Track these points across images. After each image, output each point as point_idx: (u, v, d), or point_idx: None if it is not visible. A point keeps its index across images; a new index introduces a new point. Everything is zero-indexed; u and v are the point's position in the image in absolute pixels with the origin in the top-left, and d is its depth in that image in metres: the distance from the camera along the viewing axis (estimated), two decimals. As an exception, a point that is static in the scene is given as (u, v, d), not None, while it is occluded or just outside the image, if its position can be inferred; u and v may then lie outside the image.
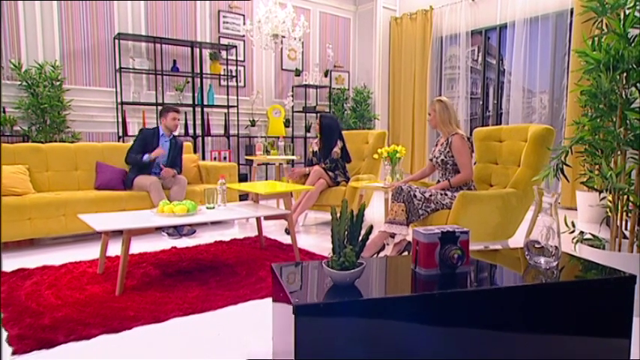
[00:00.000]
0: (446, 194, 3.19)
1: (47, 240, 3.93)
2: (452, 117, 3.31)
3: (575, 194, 5.04)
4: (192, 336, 2.08)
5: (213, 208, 3.17)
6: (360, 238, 1.47)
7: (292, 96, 6.91)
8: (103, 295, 2.50)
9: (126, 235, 2.53)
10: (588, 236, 2.51)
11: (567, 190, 5.38)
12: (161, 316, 2.24)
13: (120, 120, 5.50)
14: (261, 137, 6.48)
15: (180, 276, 2.87)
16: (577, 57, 2.49)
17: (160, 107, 5.66)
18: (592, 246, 2.40)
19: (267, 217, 3.24)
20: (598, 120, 2.36)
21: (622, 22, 2.19)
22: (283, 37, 5.18)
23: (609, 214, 2.43)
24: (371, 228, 1.48)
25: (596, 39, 2.33)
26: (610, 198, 2.40)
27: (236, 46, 6.27)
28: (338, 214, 1.49)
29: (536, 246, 1.76)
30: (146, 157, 4.19)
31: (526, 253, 1.77)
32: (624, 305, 1.64)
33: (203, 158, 6.08)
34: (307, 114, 7.11)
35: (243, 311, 2.37)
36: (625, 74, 2.27)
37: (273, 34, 5.04)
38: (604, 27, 2.43)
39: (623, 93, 2.30)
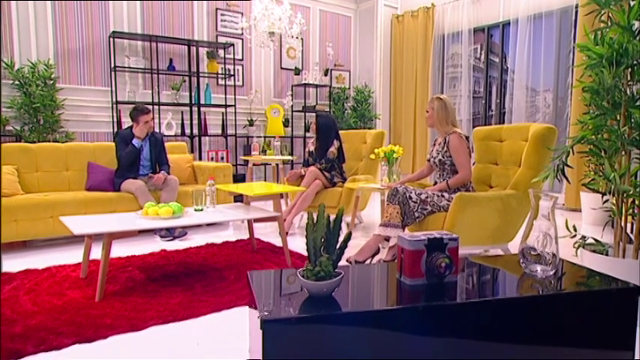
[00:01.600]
0: (443, 196, 3.06)
1: (39, 242, 3.84)
2: (450, 116, 3.18)
3: (579, 195, 4.90)
4: (169, 346, 1.97)
5: (202, 210, 3.06)
6: (338, 246, 1.36)
7: (291, 95, 6.80)
8: (82, 301, 2.40)
9: (106, 238, 2.43)
10: (591, 241, 2.38)
11: (572, 192, 5.24)
12: (139, 324, 2.14)
13: (115, 120, 5.42)
14: (257, 137, 6.37)
15: (165, 280, 2.77)
16: (581, 54, 2.36)
17: (155, 106, 5.60)
18: (594, 251, 2.27)
19: (257, 220, 3.14)
20: (601, 118, 2.23)
21: (626, 13, 2.06)
22: (280, 34, 5.07)
23: (613, 217, 2.30)
24: (349, 235, 1.37)
25: (599, 32, 2.20)
26: (614, 201, 2.27)
27: (233, 45, 6.17)
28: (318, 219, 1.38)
29: (533, 253, 1.64)
30: (136, 142, 4.07)
31: (521, 260, 1.65)
32: (627, 317, 1.51)
33: (200, 158, 5.99)
34: (307, 113, 6.99)
35: (226, 319, 2.26)
36: (630, 70, 2.14)
37: (269, 31, 4.93)
38: (608, 20, 2.30)
39: (628, 90, 2.17)
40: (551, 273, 1.60)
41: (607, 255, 2.26)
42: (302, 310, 1.30)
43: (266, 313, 1.21)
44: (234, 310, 2.35)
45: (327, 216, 1.35)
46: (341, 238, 1.37)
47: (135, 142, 4.05)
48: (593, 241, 2.38)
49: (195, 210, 3.06)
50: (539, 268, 1.62)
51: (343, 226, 4.21)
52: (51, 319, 2.16)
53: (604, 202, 2.34)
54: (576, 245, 2.37)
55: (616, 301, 1.49)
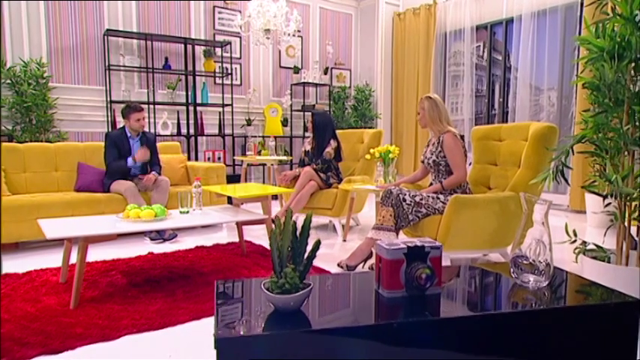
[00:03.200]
0: (438, 198, 2.93)
1: (32, 243, 3.73)
2: (442, 115, 3.05)
3: (584, 197, 4.74)
4: (140, 357, 1.86)
5: (187, 212, 2.95)
6: (306, 256, 1.24)
7: (291, 94, 6.69)
8: (57, 308, 2.30)
9: (82, 243, 2.32)
10: (592, 247, 2.24)
11: (577, 193, 5.08)
12: (112, 333, 2.03)
13: (110, 119, 5.33)
14: (252, 137, 6.26)
15: (147, 286, 2.66)
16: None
17: (151, 105, 5.51)
18: (595, 258, 2.13)
19: (244, 223, 3.02)
20: (602, 116, 2.09)
21: (629, 4, 1.92)
22: (276, 31, 4.95)
23: (615, 221, 2.16)
24: (318, 243, 1.25)
25: (600, 25, 2.06)
26: (616, 204, 2.13)
27: (230, 43, 6.06)
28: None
29: (525, 262, 1.51)
30: (130, 161, 3.95)
31: (512, 270, 1.52)
32: (627, 333, 1.38)
33: (196, 159, 5.89)
34: (306, 113, 6.87)
35: (205, 327, 2.15)
36: (633, 64, 2.00)
37: (264, 29, 4.81)
38: (611, 11, 2.16)
39: (631, 86, 2.03)
40: (545, 284, 1.47)
41: (609, 262, 2.12)
42: (266, 327, 1.19)
43: (221, 331, 1.10)
44: (213, 319, 2.23)
45: (293, 222, 1.23)
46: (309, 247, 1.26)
47: (129, 161, 3.94)
48: (594, 246, 2.24)
49: (181, 212, 2.95)
50: (531, 278, 1.49)
51: (338, 228, 4.11)
52: (20, 327, 2.06)
53: (606, 206, 2.20)
54: (576, 251, 2.23)
55: (615, 316, 1.36)
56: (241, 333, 1.11)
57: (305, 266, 1.23)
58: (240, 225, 3.29)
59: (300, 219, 4.60)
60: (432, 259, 1.36)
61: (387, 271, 1.35)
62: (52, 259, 3.23)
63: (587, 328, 1.35)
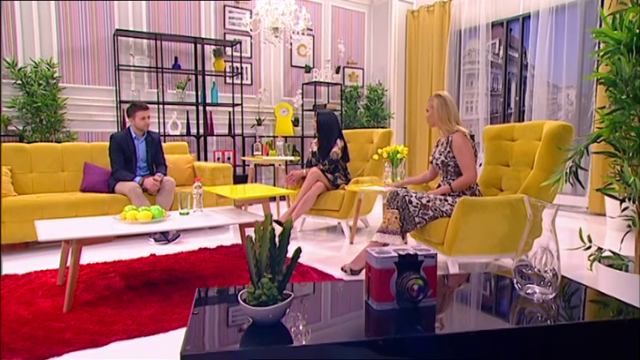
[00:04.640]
0: (446, 200, 2.81)
1: (42, 243, 3.69)
2: (451, 114, 2.92)
3: (604, 198, 4.54)
4: (127, 366, 1.79)
5: (187, 213, 2.89)
6: (286, 265, 1.15)
7: (302, 94, 6.60)
8: (50, 311, 2.25)
9: (75, 245, 2.27)
10: (608, 253, 2.10)
11: (596, 194, 4.87)
12: (101, 339, 1.97)
13: (119, 119, 5.32)
14: (260, 137, 6.19)
15: (144, 289, 2.60)
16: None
17: (160, 105, 5.49)
18: (611, 266, 1.99)
19: (246, 225, 2.94)
20: (620, 113, 1.95)
21: (648, -7, 1.78)
22: (284, 29, 4.86)
23: (634, 227, 2.01)
24: (299, 251, 1.15)
25: (617, 16, 1.92)
26: (634, 208, 1.99)
27: (241, 42, 6.00)
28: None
29: (530, 271, 1.39)
30: (138, 179, 3.90)
31: (515, 280, 1.41)
32: (644, 351, 1.26)
33: (206, 159, 5.85)
34: (317, 112, 6.78)
35: (198, 334, 2.07)
36: (653, 58, 1.86)
37: (272, 27, 4.73)
38: (629, 2, 2.02)
39: (651, 81, 1.89)
40: (551, 296, 1.35)
41: (626, 271, 1.98)
42: (242, 342, 1.10)
43: (189, 346, 1.01)
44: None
45: (271, 229, 1.14)
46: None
47: (137, 180, 3.90)
48: (610, 253, 2.10)
49: (181, 214, 2.89)
50: (537, 289, 1.37)
51: (346, 230, 4.01)
52: (10, 332, 2.01)
53: (623, 210, 2.05)
54: (591, 258, 2.10)
55: (628, 334, 1.23)
56: (212, 349, 1.03)
57: (284, 276, 1.14)
58: (242, 227, 3.21)
59: (306, 220, 4.52)
60: (425, 268, 1.26)
61: (377, 282, 1.24)
62: (57, 260, 3.20)
63: (597, 347, 1.22)
